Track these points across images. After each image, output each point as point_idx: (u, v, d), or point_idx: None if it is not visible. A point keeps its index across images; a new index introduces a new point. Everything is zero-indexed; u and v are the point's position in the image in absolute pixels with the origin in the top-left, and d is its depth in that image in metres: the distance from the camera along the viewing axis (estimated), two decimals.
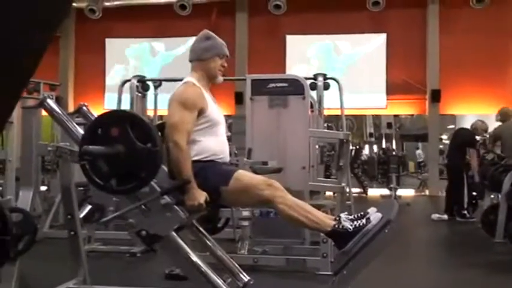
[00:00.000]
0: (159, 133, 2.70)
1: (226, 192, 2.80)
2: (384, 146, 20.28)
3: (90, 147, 2.53)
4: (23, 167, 3.37)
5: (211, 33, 3.18)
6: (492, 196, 7.31)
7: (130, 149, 2.53)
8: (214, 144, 2.98)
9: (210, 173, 2.84)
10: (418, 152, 20.36)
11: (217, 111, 3.09)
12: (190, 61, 3.17)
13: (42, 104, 3.02)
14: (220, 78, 3.15)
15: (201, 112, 2.93)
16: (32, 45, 1.16)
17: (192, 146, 2.87)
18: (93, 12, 13.24)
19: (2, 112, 1.22)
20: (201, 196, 2.73)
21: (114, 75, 13.84)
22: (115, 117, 2.70)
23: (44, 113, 3.17)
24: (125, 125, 2.56)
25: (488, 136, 7.82)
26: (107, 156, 2.54)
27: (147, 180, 2.57)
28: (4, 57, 1.11)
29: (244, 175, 2.87)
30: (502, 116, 7.25)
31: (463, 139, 8.13)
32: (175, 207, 2.67)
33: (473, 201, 8.12)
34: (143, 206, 2.63)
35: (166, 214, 2.65)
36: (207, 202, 2.75)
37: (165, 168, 2.77)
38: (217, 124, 3.04)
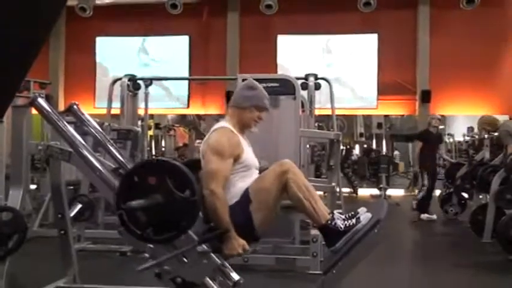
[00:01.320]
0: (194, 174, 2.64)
1: (255, 208, 2.80)
2: (374, 146, 20.36)
3: (133, 203, 2.47)
4: (13, 166, 3.36)
5: (255, 83, 3.14)
6: (480, 196, 7.38)
7: (168, 198, 2.48)
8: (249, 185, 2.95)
9: (237, 208, 2.82)
10: (395, 153, 20.44)
11: (252, 155, 3.07)
12: (230, 106, 3.13)
13: (32, 103, 3.01)
14: (255, 129, 3.11)
15: (236, 158, 2.90)
16: (25, 44, 1.16)
17: (227, 190, 2.84)
18: (84, 10, 13.19)
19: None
20: (240, 244, 2.73)
21: (105, 74, 13.77)
22: (152, 165, 2.65)
23: (34, 111, 3.16)
24: (163, 174, 2.51)
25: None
26: (145, 206, 2.50)
27: (186, 229, 2.53)
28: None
29: (256, 181, 2.89)
30: (491, 126, 7.25)
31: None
32: (212, 254, 2.64)
33: (462, 202, 8.18)
34: (180, 254, 2.59)
35: (202, 262, 2.61)
36: (246, 251, 2.75)
37: (200, 213, 2.75)
38: (251, 168, 3.01)
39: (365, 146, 18.48)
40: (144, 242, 2.58)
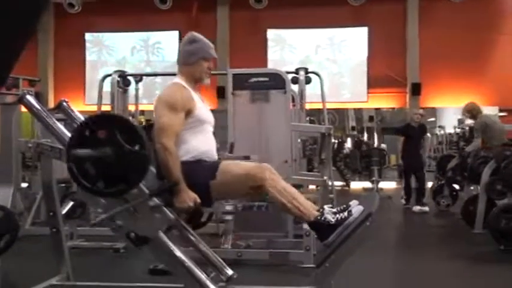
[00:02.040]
0: (146, 133, 2.68)
1: (216, 185, 2.81)
2: (365, 139, 20.41)
3: (78, 151, 2.50)
4: (2, 164, 3.34)
5: (196, 35, 3.15)
6: (472, 188, 7.42)
7: (118, 151, 2.51)
8: (203, 143, 2.98)
9: (197, 171, 2.84)
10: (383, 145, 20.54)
11: (205, 110, 3.08)
12: (178, 64, 3.14)
13: (21, 100, 2.99)
14: (207, 81, 3.13)
15: (188, 113, 2.92)
16: (9, 41, 1.15)
17: (180, 146, 2.86)
18: (72, 6, 13.09)
19: None
20: (191, 198, 2.73)
21: (94, 70, 13.70)
22: (103, 119, 2.68)
23: (23, 109, 3.14)
24: (113, 128, 2.54)
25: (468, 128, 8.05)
26: (95, 158, 2.52)
27: (136, 182, 2.55)
28: None
29: (231, 164, 2.90)
30: (474, 111, 7.21)
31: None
32: (164, 208, 2.66)
33: (454, 193, 8.23)
34: (131, 208, 2.61)
35: (155, 216, 2.63)
36: (197, 203, 2.75)
37: (153, 169, 2.76)
38: (205, 123, 3.04)
39: (356, 139, 18.52)
40: (94, 194, 2.60)
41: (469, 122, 8.63)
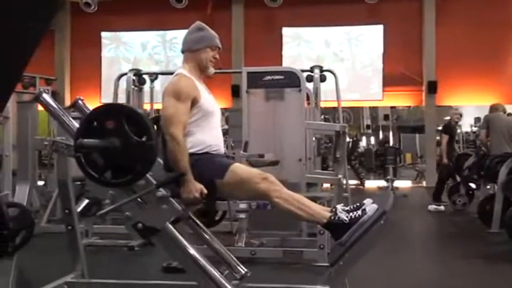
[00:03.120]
0: (155, 126, 2.70)
1: (222, 184, 2.81)
2: (380, 137, 20.32)
3: (85, 140, 2.52)
4: (19, 162, 3.37)
5: (203, 24, 3.17)
6: (488, 187, 7.35)
7: (125, 142, 2.52)
8: (209, 135, 2.98)
9: (206, 166, 2.84)
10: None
11: (211, 101, 3.08)
12: (182, 52, 3.15)
13: (37, 99, 3.01)
14: (212, 70, 3.14)
15: (194, 102, 2.92)
16: (24, 38, 1.15)
17: (187, 138, 2.87)
18: (89, 5, 13.19)
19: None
20: (197, 189, 2.74)
21: (110, 69, 13.79)
22: (110, 110, 2.70)
23: (40, 107, 3.17)
24: (120, 118, 2.55)
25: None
26: (102, 149, 2.54)
27: (143, 173, 2.57)
28: None
29: (239, 168, 2.87)
30: (491, 108, 7.44)
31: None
32: (171, 199, 2.67)
33: (470, 192, 8.15)
34: (139, 199, 2.63)
35: (162, 206, 2.64)
36: (203, 195, 2.75)
37: (160, 160, 2.77)
38: (211, 115, 3.03)
39: (381, 137, 18.29)
40: (102, 185, 2.62)
41: None
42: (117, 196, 2.66)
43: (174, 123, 2.80)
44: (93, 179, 2.57)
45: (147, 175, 2.61)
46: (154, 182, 2.64)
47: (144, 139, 2.53)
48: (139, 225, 2.64)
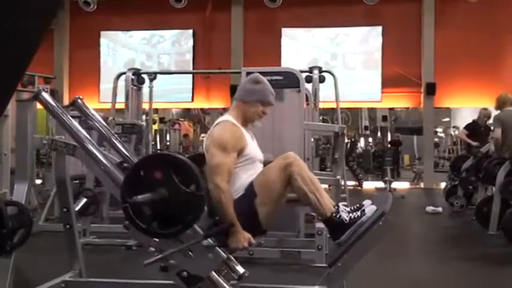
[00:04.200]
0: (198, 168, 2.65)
1: (260, 202, 2.80)
2: (378, 139, 20.35)
3: (139, 197, 2.46)
4: (18, 161, 3.36)
5: (261, 78, 3.13)
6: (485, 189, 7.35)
7: (174, 192, 2.48)
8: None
9: (242, 202, 2.82)
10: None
11: (255, 148, 3.08)
12: (235, 99, 3.13)
13: (37, 97, 3.01)
14: (258, 124, 3.11)
15: (240, 152, 2.91)
16: (25, 37, 1.15)
17: (233, 183, 2.85)
18: (88, 4, 13.17)
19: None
20: (246, 238, 2.73)
21: (109, 68, 13.79)
22: (157, 159, 2.66)
23: (39, 106, 3.16)
24: (168, 168, 2.51)
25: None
26: (151, 201, 2.50)
27: (191, 224, 2.53)
28: None
29: (259, 175, 2.88)
30: (499, 102, 6.99)
31: None
32: (218, 249, 2.64)
33: (467, 194, 8.16)
34: (185, 248, 2.60)
35: (208, 256, 2.61)
36: (251, 244, 2.76)
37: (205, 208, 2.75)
38: (255, 160, 3.01)
39: (396, 137, 18.26)
40: (149, 236, 2.58)
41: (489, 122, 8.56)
42: (162, 244, 2.61)
43: (220, 174, 2.76)
44: (141, 229, 2.53)
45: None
46: (201, 232, 2.60)
47: (192, 189, 2.49)
48: (184, 273, 2.61)
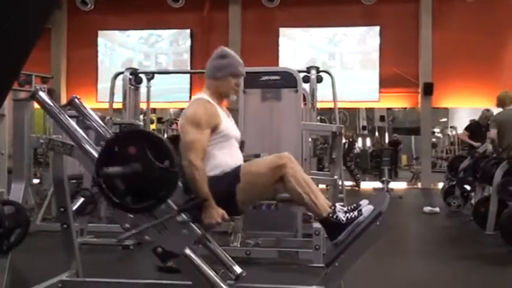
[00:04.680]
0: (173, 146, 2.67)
1: (241, 189, 2.80)
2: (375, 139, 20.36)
3: (110, 169, 2.48)
4: (15, 160, 3.36)
5: (227, 50, 3.14)
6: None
7: (147, 168, 2.49)
8: (229, 157, 2.96)
9: (222, 181, 2.83)
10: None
11: (231, 125, 3.08)
12: (206, 77, 3.13)
13: (34, 97, 3.00)
14: (234, 97, 3.13)
15: (214, 129, 2.91)
16: (22, 36, 1.15)
17: (207, 161, 2.85)
18: (86, 4, 13.17)
19: None
20: (220, 214, 2.73)
21: (106, 68, 13.77)
22: (132, 135, 2.67)
23: (36, 105, 3.16)
24: (142, 144, 2.52)
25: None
26: (124, 175, 2.51)
27: (164, 199, 2.54)
28: None
29: (252, 163, 2.90)
30: (499, 101, 6.90)
31: None
32: (192, 224, 2.65)
33: (465, 194, 8.17)
34: (159, 223, 2.61)
35: (182, 231, 2.62)
36: (225, 219, 2.75)
37: (180, 184, 2.75)
38: (231, 138, 3.02)
39: (395, 138, 18.28)
40: (122, 210, 2.60)
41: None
42: (137, 220, 2.63)
43: (193, 150, 2.78)
44: (114, 204, 2.54)
45: (168, 200, 2.60)
46: (175, 208, 2.61)
47: (166, 164, 2.50)
48: (159, 249, 2.62)
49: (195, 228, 2.66)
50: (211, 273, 2.66)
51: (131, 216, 2.64)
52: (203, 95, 3.04)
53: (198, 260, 2.67)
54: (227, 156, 2.94)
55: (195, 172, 2.74)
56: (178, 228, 2.62)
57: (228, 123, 3.04)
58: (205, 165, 2.83)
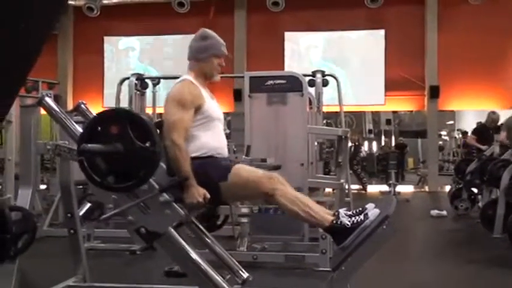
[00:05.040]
0: (158, 131, 2.70)
1: (226, 187, 2.81)
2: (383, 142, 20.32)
3: (89, 145, 2.53)
4: (22, 166, 3.38)
5: (208, 32, 3.17)
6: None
7: (129, 147, 2.53)
8: (213, 139, 2.99)
9: (209, 169, 2.85)
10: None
11: (215, 107, 3.09)
12: (188, 59, 3.15)
13: (40, 103, 3.02)
14: (218, 77, 3.15)
15: (198, 109, 2.94)
16: (28, 43, 1.16)
17: (190, 142, 2.88)
18: (91, 10, 13.22)
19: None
20: (200, 193, 2.74)
21: (112, 73, 13.82)
22: (114, 115, 2.70)
23: (42, 111, 3.18)
24: (125, 124, 2.56)
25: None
26: (106, 154, 2.54)
27: (145, 178, 2.58)
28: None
29: (243, 169, 2.89)
30: None
31: None
32: (174, 204, 2.67)
33: (472, 197, 8.14)
34: (142, 204, 2.63)
35: (165, 211, 2.65)
36: (206, 199, 2.75)
37: (163, 165, 2.78)
38: (215, 120, 3.04)
39: (400, 141, 18.25)
40: (104, 189, 2.62)
41: None
42: (119, 201, 2.66)
43: (176, 129, 2.80)
44: (95, 183, 2.58)
45: (150, 180, 2.62)
46: (157, 187, 2.64)
47: (147, 145, 2.53)
48: (142, 229, 2.65)
49: (178, 208, 2.68)
50: (218, 277, 2.66)
51: (114, 196, 2.67)
52: (187, 76, 3.07)
53: (204, 265, 2.67)
54: (210, 138, 2.97)
55: (177, 151, 2.75)
56: (161, 208, 2.64)
57: (211, 104, 3.06)
58: (189, 146, 2.85)
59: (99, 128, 2.61)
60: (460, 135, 15.74)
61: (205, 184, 2.77)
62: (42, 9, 1.16)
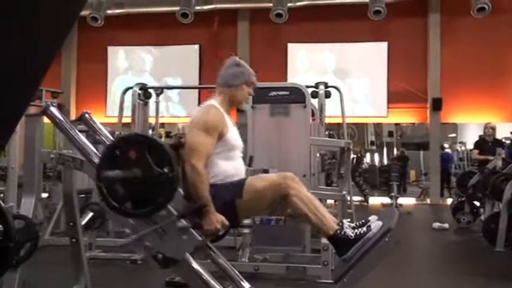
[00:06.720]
0: (175, 152, 2.69)
1: (243, 203, 2.80)
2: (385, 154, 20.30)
3: (110, 172, 2.52)
4: (25, 174, 3.38)
5: (240, 60, 3.19)
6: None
7: (147, 173, 2.52)
8: (232, 167, 2.97)
9: (224, 191, 2.83)
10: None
11: (236, 135, 3.09)
12: (218, 85, 3.15)
13: (44, 112, 3.03)
14: (246, 105, 3.16)
15: (220, 136, 2.92)
16: (37, 56, 1.17)
17: (209, 169, 2.86)
18: (96, 20, 13.27)
19: (10, 122, 1.23)
20: (219, 220, 2.72)
21: (116, 83, 13.88)
22: (133, 140, 2.69)
23: (46, 120, 3.19)
24: (143, 149, 2.55)
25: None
26: (124, 180, 2.54)
27: (163, 204, 2.56)
28: (10, 68, 1.12)
29: (254, 179, 2.89)
30: None
31: None
32: (192, 230, 2.65)
33: (474, 210, 8.12)
34: (159, 229, 2.61)
35: (182, 237, 2.63)
36: (224, 226, 2.75)
37: (180, 190, 2.76)
38: (235, 148, 3.04)
39: (401, 153, 18.25)
40: (122, 215, 2.61)
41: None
42: (137, 225, 2.64)
43: (197, 154, 2.78)
44: (113, 208, 2.56)
45: (168, 205, 2.61)
46: (175, 213, 2.62)
47: (165, 170, 2.52)
48: (160, 255, 2.63)
49: (195, 234, 2.66)
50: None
51: (132, 222, 2.65)
52: (213, 101, 3.06)
53: (206, 275, 2.66)
54: (230, 166, 2.96)
55: (196, 176, 2.74)
56: (178, 234, 2.62)
57: (234, 133, 3.06)
58: (208, 172, 2.84)
59: (118, 153, 2.61)
60: (463, 148, 15.71)
61: (222, 208, 2.76)
62: (51, 30, 1.17)
